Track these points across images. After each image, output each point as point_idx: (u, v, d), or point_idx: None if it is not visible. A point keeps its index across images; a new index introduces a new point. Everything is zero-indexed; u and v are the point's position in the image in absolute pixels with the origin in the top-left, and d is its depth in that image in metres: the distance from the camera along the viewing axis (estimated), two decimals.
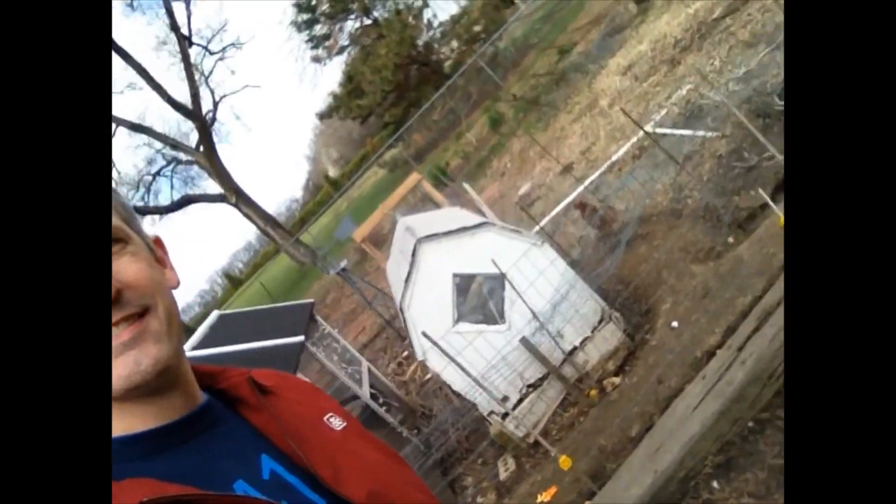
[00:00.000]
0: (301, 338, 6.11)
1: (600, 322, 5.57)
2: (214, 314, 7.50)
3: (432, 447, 5.58)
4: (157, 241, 0.98)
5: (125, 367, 0.81)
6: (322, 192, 49.69)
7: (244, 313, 8.07)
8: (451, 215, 6.61)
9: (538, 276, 5.31)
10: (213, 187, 37.05)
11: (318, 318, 7.44)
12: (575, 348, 5.55)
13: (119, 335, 0.81)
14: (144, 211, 37.25)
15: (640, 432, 4.56)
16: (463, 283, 5.43)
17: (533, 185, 11.89)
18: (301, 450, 0.90)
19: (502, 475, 5.35)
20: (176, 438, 0.85)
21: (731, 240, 5.65)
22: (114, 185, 0.93)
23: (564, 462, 4.41)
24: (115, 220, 0.87)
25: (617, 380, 5.29)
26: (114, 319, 0.81)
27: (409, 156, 27.63)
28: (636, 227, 6.88)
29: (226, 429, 0.90)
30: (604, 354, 5.57)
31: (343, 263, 8.94)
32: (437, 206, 10.88)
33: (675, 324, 5.19)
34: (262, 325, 7.14)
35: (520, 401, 5.52)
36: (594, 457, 4.65)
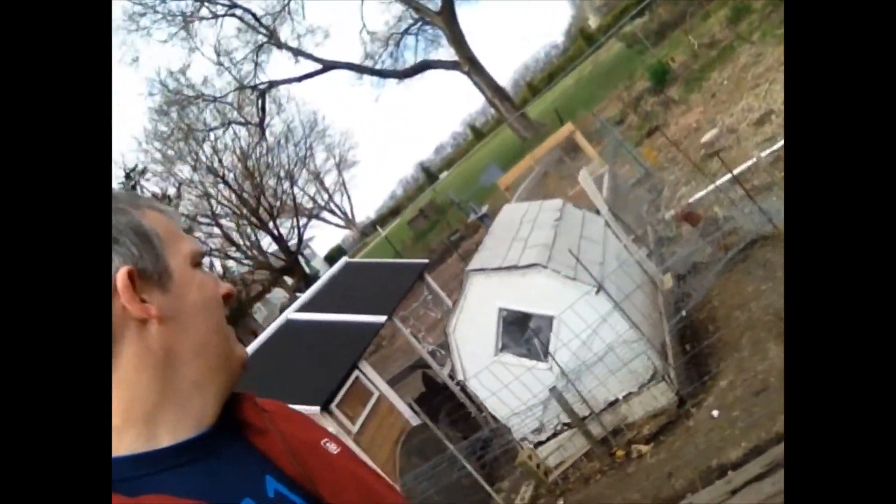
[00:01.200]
0: (382, 319, 6.59)
1: (651, 379, 5.27)
2: (343, 260, 8.27)
3: (474, 454, 5.90)
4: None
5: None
6: (574, 46, 49.19)
7: (365, 265, 8.72)
8: (545, 212, 6.38)
9: (585, 329, 5.12)
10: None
11: (429, 279, 7.84)
12: (617, 401, 5.36)
13: None
14: (384, 73, 39.52)
15: None
16: (510, 318, 5.41)
17: (720, 131, 10.61)
18: (304, 470, 0.94)
19: (517, 501, 5.57)
20: (189, 456, 0.89)
21: None
22: None
23: None
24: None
25: (645, 448, 5.07)
26: None
27: (652, 30, 26.44)
28: (743, 253, 6.10)
29: (233, 450, 0.94)
30: (648, 412, 5.32)
31: (485, 209, 9.05)
32: (588, 159, 10.23)
33: (715, 413, 4.76)
34: (376, 280, 7.73)
35: (552, 436, 5.56)
36: None
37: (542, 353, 5.39)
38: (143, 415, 0.86)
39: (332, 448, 1.03)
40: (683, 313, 5.66)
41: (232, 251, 34.38)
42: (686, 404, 5.18)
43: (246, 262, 35.07)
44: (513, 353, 5.49)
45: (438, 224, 26.93)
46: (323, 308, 7.00)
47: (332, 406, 5.54)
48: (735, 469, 4.19)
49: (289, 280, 36.13)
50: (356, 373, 5.96)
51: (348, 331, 6.48)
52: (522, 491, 5.65)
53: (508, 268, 5.21)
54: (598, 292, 5.10)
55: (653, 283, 6.65)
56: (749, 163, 8.01)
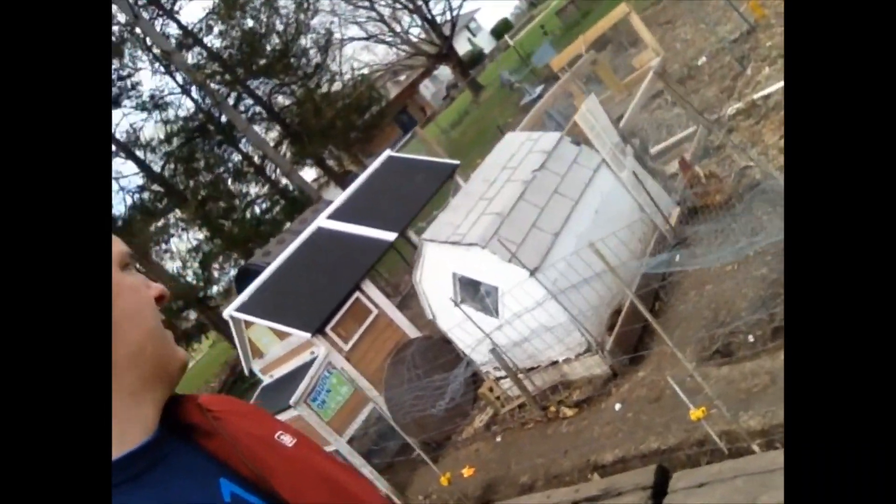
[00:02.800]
0: (392, 237, 7.22)
1: (586, 351, 5.63)
2: (387, 153, 8.71)
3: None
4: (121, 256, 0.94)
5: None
6: None
7: (406, 160, 8.99)
8: (532, 155, 6.36)
9: (520, 308, 5.50)
10: None
11: (458, 179, 8.13)
12: (557, 362, 5.83)
13: None
14: None
15: (524, 487, 5.28)
16: (464, 279, 5.86)
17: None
18: (259, 469, 0.91)
19: (476, 423, 6.47)
20: (135, 469, 0.84)
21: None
22: None
23: (468, 471, 5.47)
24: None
25: (570, 412, 5.62)
26: None
27: None
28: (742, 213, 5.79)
29: (182, 456, 0.89)
30: (585, 376, 5.76)
31: (539, 90, 8.82)
32: (643, 45, 8.98)
33: (618, 407, 5.13)
34: (407, 182, 8.22)
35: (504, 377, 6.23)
36: (493, 476, 5.57)
37: (494, 311, 5.88)
38: None
39: (287, 440, 1.00)
40: (656, 286, 5.71)
41: (388, 36, 34.77)
42: (616, 378, 5.54)
43: (402, 47, 35.44)
44: (470, 305, 6.03)
45: (590, 15, 25.02)
46: (352, 213, 7.74)
47: (327, 329, 6.58)
48: (603, 471, 4.73)
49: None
50: (356, 294, 6.85)
51: (362, 246, 7.25)
52: (484, 414, 6.54)
53: (454, 242, 5.56)
54: (531, 275, 5.36)
55: (651, 220, 6.56)
56: None
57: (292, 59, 24.04)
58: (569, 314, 5.40)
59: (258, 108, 25.22)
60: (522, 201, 5.82)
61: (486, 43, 49.55)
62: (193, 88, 22.10)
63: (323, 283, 6.97)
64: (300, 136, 23.45)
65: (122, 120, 22.24)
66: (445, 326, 6.31)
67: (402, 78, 45.88)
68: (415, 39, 35.13)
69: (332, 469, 1.02)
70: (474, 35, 52.64)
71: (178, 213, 21.21)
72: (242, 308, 6.76)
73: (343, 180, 25.86)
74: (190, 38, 24.03)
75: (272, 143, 25.98)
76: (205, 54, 24.16)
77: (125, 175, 22.67)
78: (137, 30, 20.16)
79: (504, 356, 5.80)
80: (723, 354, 4.80)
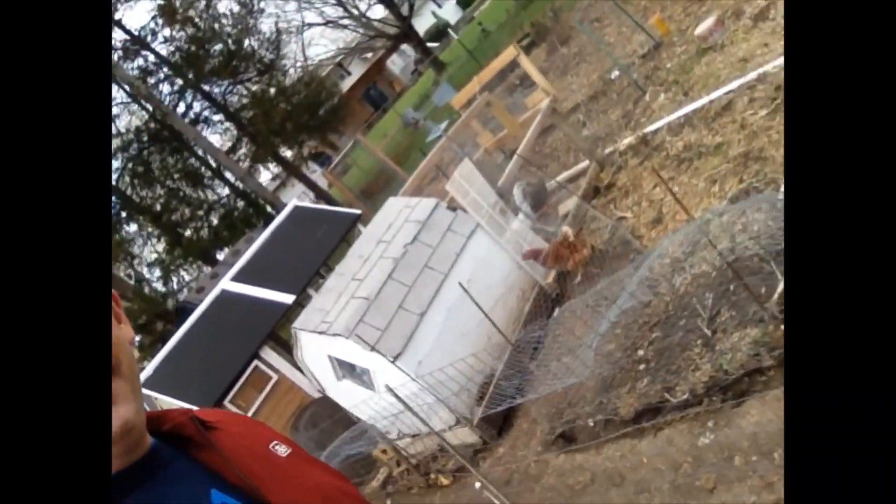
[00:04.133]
0: (290, 300, 7.43)
1: (457, 423, 5.91)
2: (293, 203, 8.87)
3: None
4: (114, 297, 0.97)
5: None
6: None
7: (311, 210, 9.13)
8: (407, 226, 6.54)
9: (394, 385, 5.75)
10: None
11: (361, 228, 8.30)
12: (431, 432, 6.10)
13: None
14: None
15: None
16: (339, 361, 6.11)
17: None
18: (250, 479, 0.92)
19: (373, 484, 6.79)
20: (126, 487, 0.86)
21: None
22: None
23: None
24: None
25: (446, 481, 5.92)
26: None
27: None
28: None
29: (174, 470, 0.92)
30: (462, 444, 6.05)
31: (443, 126, 8.95)
32: (532, 85, 9.04)
33: (477, 485, 5.42)
34: (314, 230, 8.39)
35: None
36: None
37: (371, 386, 6.14)
38: None
39: (282, 451, 1.02)
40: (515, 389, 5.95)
41: (347, 20, 34.34)
42: (487, 446, 5.83)
43: (360, 30, 35.02)
44: (351, 381, 6.29)
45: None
46: (255, 273, 7.93)
47: (226, 402, 6.83)
48: None
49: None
50: (254, 363, 7.09)
51: (262, 310, 7.46)
52: (379, 473, 6.85)
53: (320, 333, 5.78)
54: (394, 361, 5.61)
55: (531, 275, 6.78)
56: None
57: (241, 63, 23.81)
58: (433, 395, 5.66)
59: (214, 110, 25.09)
60: (391, 280, 6.03)
61: (452, 14, 48.80)
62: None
63: (223, 353, 7.20)
64: (255, 136, 23.40)
65: None
66: (334, 397, 6.57)
67: (370, 55, 45.35)
68: (375, 21, 34.71)
69: (324, 479, 1.03)
70: (440, 6, 51.83)
71: (135, 225, 21.29)
72: (145, 384, 7.00)
73: (302, 175, 25.92)
74: (137, 43, 23.78)
75: (231, 143, 25.91)
76: (154, 59, 23.94)
77: None
78: None
79: (380, 429, 6.08)
80: (566, 439, 5.08)
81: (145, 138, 21.78)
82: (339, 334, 5.66)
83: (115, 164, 21.85)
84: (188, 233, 21.45)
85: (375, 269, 6.17)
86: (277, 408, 7.15)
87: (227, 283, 7.92)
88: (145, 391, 7.10)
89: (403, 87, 42.23)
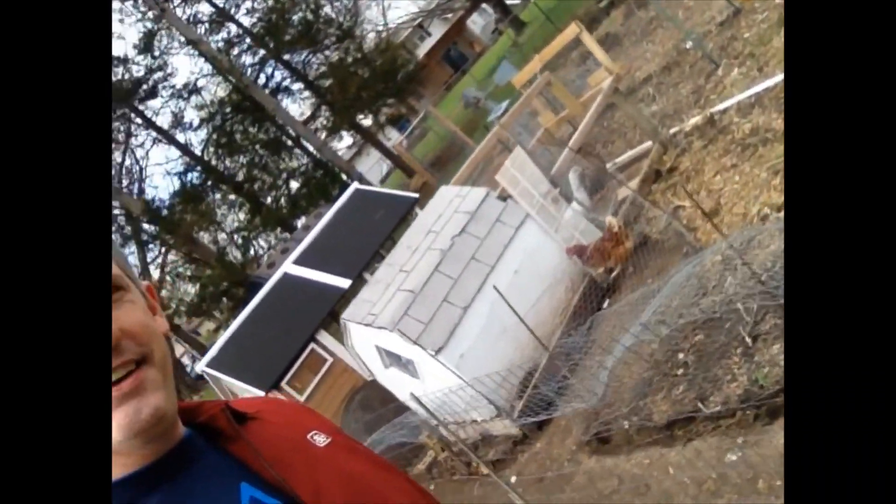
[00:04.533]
0: (346, 284, 7.62)
1: (498, 414, 5.98)
2: (354, 186, 9.01)
3: None
4: (149, 289, 1.01)
5: (126, 416, 0.84)
6: None
7: (370, 194, 9.19)
8: (456, 216, 6.55)
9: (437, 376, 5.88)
10: None
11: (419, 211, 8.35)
12: (476, 420, 6.20)
13: (120, 385, 0.84)
14: None
15: None
16: (385, 350, 6.26)
17: None
18: (280, 472, 0.92)
19: (419, 466, 6.98)
20: (157, 478, 0.88)
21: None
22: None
23: None
24: (115, 269, 0.91)
25: (485, 470, 6.01)
26: (112, 365, 0.83)
27: None
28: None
29: (205, 462, 0.93)
30: (504, 435, 6.12)
31: (503, 106, 8.83)
32: (596, 64, 8.56)
33: (513, 479, 5.48)
34: (372, 213, 8.54)
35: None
36: None
37: (416, 375, 6.29)
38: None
39: (321, 440, 1.01)
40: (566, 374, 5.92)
41: None
42: (526, 439, 5.88)
43: None
44: (397, 369, 6.44)
45: None
46: (315, 257, 8.16)
47: (282, 384, 7.16)
48: None
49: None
50: (311, 346, 7.37)
51: (319, 294, 7.71)
52: (427, 457, 7.04)
53: (367, 325, 5.93)
54: (436, 355, 5.71)
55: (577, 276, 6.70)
56: None
57: (319, 31, 24.09)
58: (473, 388, 5.74)
59: (294, 79, 25.60)
60: (437, 273, 6.09)
61: None
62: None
63: (281, 336, 7.50)
64: (332, 105, 23.77)
65: (163, 108, 23.00)
66: (384, 383, 6.76)
67: (450, 16, 44.87)
68: None
69: (362, 469, 1.00)
70: None
71: (220, 195, 22.22)
72: (211, 364, 7.42)
73: (379, 142, 26.18)
74: (223, 16, 24.46)
75: (311, 111, 26.42)
76: (237, 30, 24.60)
77: (171, 159, 23.73)
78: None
79: (431, 413, 6.22)
80: (600, 440, 5.05)
81: (228, 109, 22.53)
82: (383, 327, 5.80)
83: (202, 134, 22.85)
84: (268, 201, 22.22)
85: (423, 260, 6.25)
86: (332, 390, 7.42)
87: (288, 267, 8.22)
88: (212, 371, 7.53)
89: (483, 48, 41.61)
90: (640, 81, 11.11)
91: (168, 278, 21.92)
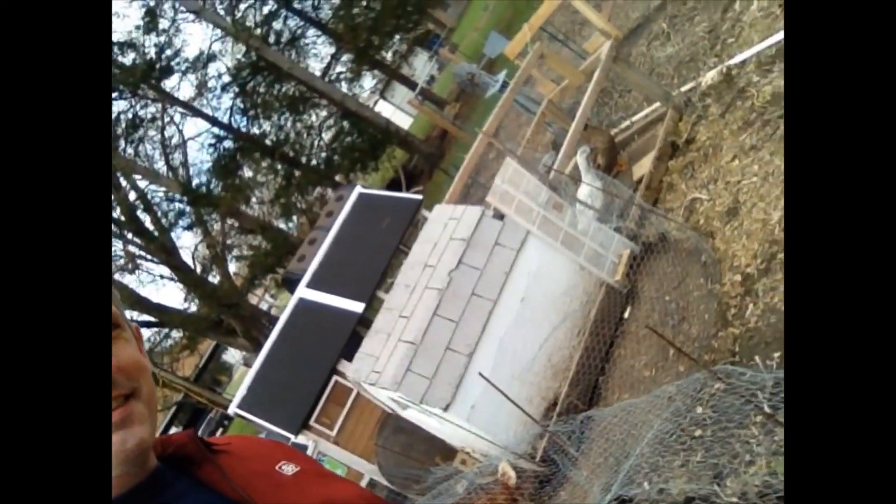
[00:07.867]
0: (360, 308, 7.37)
1: (519, 457, 5.76)
2: (358, 190, 8.56)
3: None
4: (136, 330, 1.05)
5: (113, 446, 0.88)
6: None
7: (374, 198, 8.64)
8: (452, 245, 6.15)
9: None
10: None
11: (425, 213, 7.88)
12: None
13: None
14: None
15: None
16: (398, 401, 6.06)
17: None
18: (247, 493, 0.95)
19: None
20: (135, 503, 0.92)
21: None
22: None
23: None
24: (113, 308, 0.94)
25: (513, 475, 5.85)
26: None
27: None
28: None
29: (177, 490, 0.96)
30: (531, 469, 5.92)
31: (500, 77, 8.13)
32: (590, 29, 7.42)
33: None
34: (378, 222, 8.16)
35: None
36: None
37: (432, 415, 6.10)
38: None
39: (289, 469, 1.03)
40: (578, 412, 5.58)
41: None
42: (550, 482, 5.66)
43: None
44: (414, 410, 6.27)
45: None
46: (326, 277, 7.91)
47: (311, 422, 7.12)
48: None
49: None
50: (333, 379, 7.25)
51: (335, 321, 7.50)
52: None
53: (371, 384, 5.72)
54: (444, 412, 5.47)
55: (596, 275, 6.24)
56: None
57: None
58: (487, 441, 5.51)
59: (307, 26, 24.62)
60: (437, 318, 5.77)
61: None
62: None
63: (304, 370, 7.40)
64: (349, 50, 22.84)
65: (181, 83, 22.65)
66: (409, 418, 6.62)
67: None
68: None
69: (336, 492, 1.02)
70: None
71: (253, 163, 22.05)
72: (241, 405, 7.43)
73: (402, 76, 25.17)
74: None
75: (330, 56, 25.51)
76: None
77: (200, 133, 23.60)
78: None
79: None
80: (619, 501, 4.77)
81: (246, 72, 21.97)
82: (386, 388, 5.58)
83: (226, 101, 22.40)
84: (302, 160, 21.93)
85: (421, 303, 5.92)
86: (362, 418, 7.35)
87: (302, 291, 8.03)
88: (243, 413, 7.55)
89: None
90: (654, 8, 10.03)
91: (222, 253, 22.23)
